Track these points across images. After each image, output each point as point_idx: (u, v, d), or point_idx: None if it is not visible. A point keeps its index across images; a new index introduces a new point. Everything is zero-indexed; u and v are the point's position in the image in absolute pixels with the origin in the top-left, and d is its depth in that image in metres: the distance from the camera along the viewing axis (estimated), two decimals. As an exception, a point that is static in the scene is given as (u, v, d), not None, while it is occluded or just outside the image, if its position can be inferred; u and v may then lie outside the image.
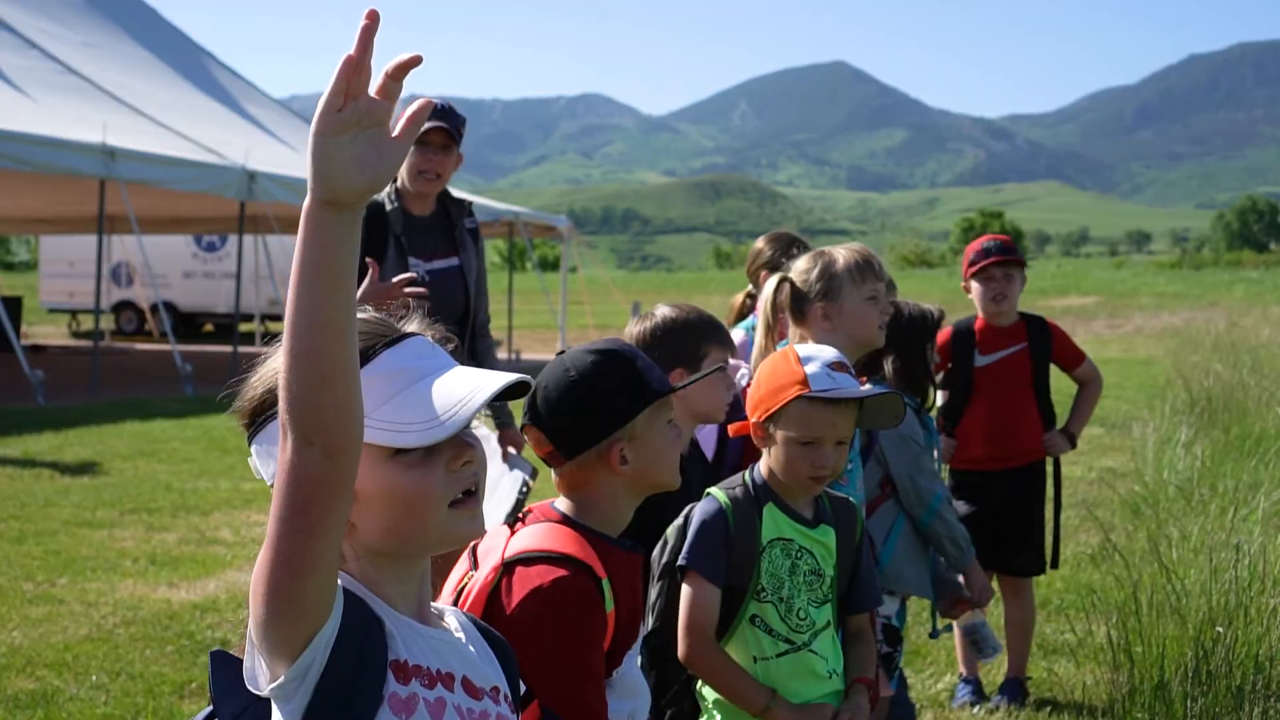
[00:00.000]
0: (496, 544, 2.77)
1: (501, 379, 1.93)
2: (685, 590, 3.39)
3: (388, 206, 5.68)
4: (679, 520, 3.52)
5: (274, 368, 1.92)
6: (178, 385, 21.06)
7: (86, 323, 37.34)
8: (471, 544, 2.93)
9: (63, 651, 6.90)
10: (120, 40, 28.91)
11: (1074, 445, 6.71)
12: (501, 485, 6.18)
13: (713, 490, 3.53)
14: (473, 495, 1.98)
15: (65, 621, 7.51)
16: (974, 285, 6.58)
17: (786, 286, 4.41)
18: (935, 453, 5.35)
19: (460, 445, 1.95)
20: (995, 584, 6.34)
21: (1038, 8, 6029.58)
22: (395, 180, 5.73)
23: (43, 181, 21.75)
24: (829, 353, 3.52)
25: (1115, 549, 7.66)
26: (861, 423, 3.57)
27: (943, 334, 6.78)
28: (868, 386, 3.90)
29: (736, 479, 3.57)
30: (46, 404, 18.24)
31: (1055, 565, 6.82)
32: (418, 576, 2.01)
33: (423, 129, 5.50)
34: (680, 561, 3.41)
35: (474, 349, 5.97)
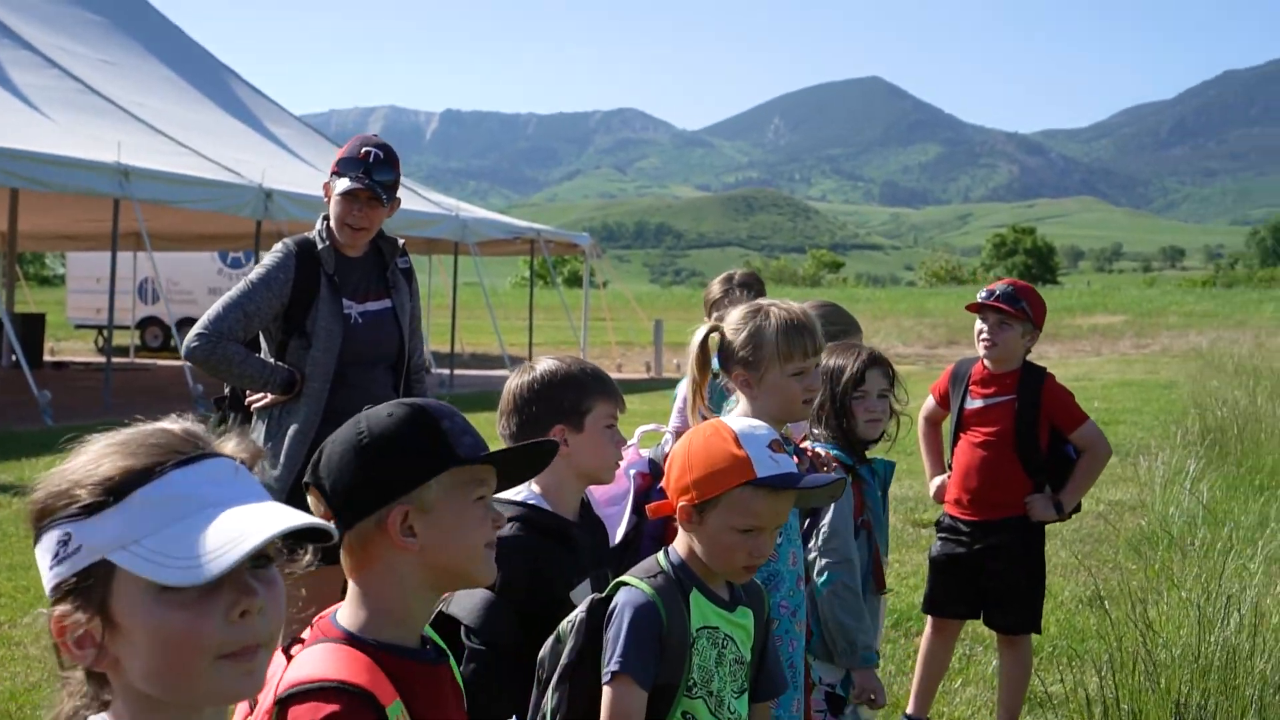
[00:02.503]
0: (273, 676, 2.39)
1: (288, 521, 1.71)
2: (611, 696, 3.04)
3: (319, 245, 5.52)
4: (579, 614, 3.17)
5: (60, 475, 1.78)
6: (190, 405, 20.90)
7: (114, 338, 37.42)
8: None
9: (7, 700, 6.60)
10: (142, 59, 28.97)
11: (1062, 515, 6.32)
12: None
13: (630, 580, 3.17)
14: (252, 652, 1.75)
15: (16, 666, 7.17)
16: (976, 323, 6.41)
17: (718, 337, 4.12)
18: (883, 512, 5.18)
19: (242, 591, 1.73)
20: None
21: (1073, 23, 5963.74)
22: (325, 219, 5.59)
23: (67, 199, 21.80)
24: (764, 429, 3.25)
25: (1100, 598, 7.46)
26: (796, 502, 3.32)
27: (945, 371, 6.69)
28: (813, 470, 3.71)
29: (650, 565, 3.24)
30: (55, 425, 18.14)
31: (1037, 629, 6.56)
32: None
33: (349, 187, 5.40)
34: (613, 666, 3.04)
35: (410, 394, 5.79)
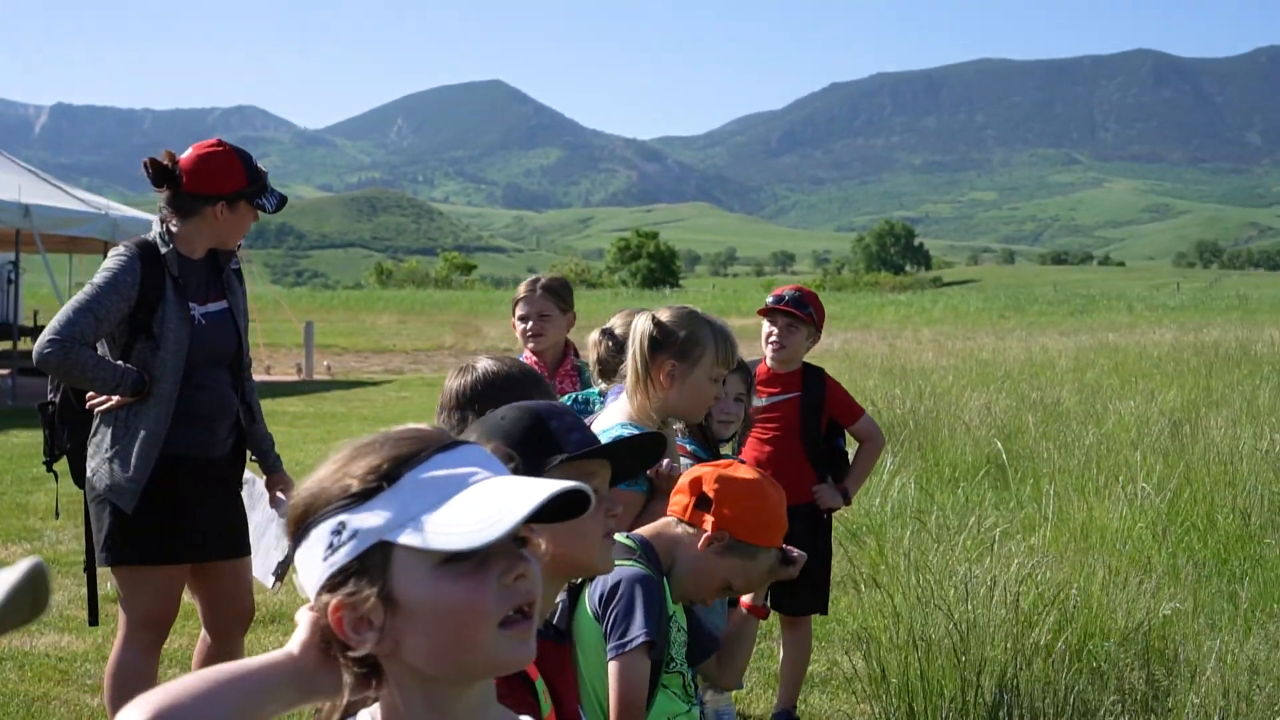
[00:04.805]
0: None
1: (560, 484, 1.80)
2: (631, 667, 3.23)
3: (162, 249, 5.50)
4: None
5: (324, 473, 1.86)
6: None
7: None
8: None
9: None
10: None
11: (847, 501, 6.81)
12: (269, 532, 6.07)
13: (624, 562, 3.35)
14: (526, 617, 1.84)
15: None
16: (764, 325, 6.75)
17: (655, 329, 4.32)
18: None
19: (514, 558, 1.82)
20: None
21: (687, 33, 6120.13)
22: (164, 223, 5.56)
23: None
24: None
25: (874, 580, 7.93)
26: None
27: None
28: None
29: (619, 546, 3.39)
30: None
31: (824, 610, 6.98)
32: (475, 698, 1.89)
33: (266, 206, 5.53)
34: (640, 636, 3.22)
35: (241, 389, 5.84)
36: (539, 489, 1.78)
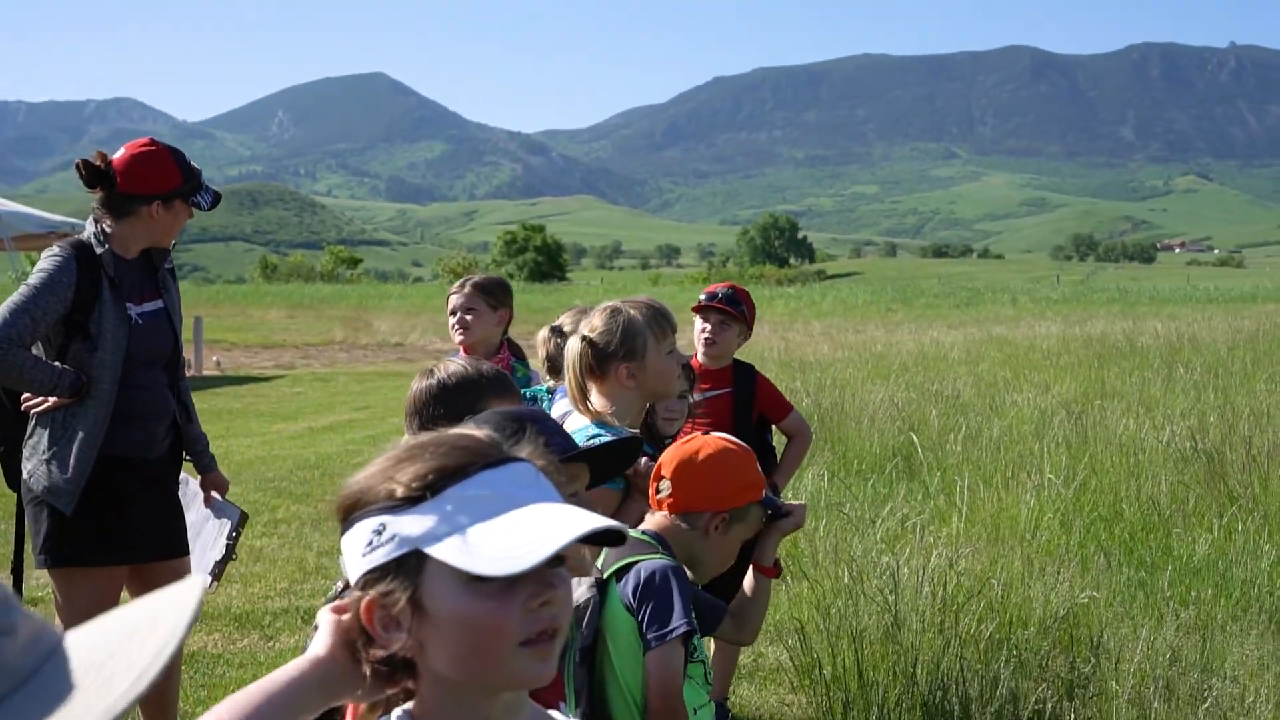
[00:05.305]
0: None
1: (598, 521, 1.83)
2: (668, 656, 3.28)
3: (98, 249, 5.46)
4: (586, 595, 3.31)
5: (374, 470, 1.90)
6: None
7: None
8: None
9: None
10: None
11: (777, 495, 6.85)
12: (205, 531, 6.04)
13: (641, 557, 3.39)
14: (550, 637, 1.87)
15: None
16: (696, 321, 6.80)
17: (589, 348, 4.36)
18: None
19: (543, 584, 1.84)
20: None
21: (572, 26, 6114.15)
22: (98, 223, 5.52)
23: None
24: None
25: (801, 571, 8.03)
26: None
27: None
28: None
29: (637, 545, 3.45)
30: None
31: None
32: (508, 695, 1.92)
33: (203, 204, 5.53)
34: (681, 626, 3.26)
35: (177, 389, 5.82)
36: (576, 524, 1.81)
